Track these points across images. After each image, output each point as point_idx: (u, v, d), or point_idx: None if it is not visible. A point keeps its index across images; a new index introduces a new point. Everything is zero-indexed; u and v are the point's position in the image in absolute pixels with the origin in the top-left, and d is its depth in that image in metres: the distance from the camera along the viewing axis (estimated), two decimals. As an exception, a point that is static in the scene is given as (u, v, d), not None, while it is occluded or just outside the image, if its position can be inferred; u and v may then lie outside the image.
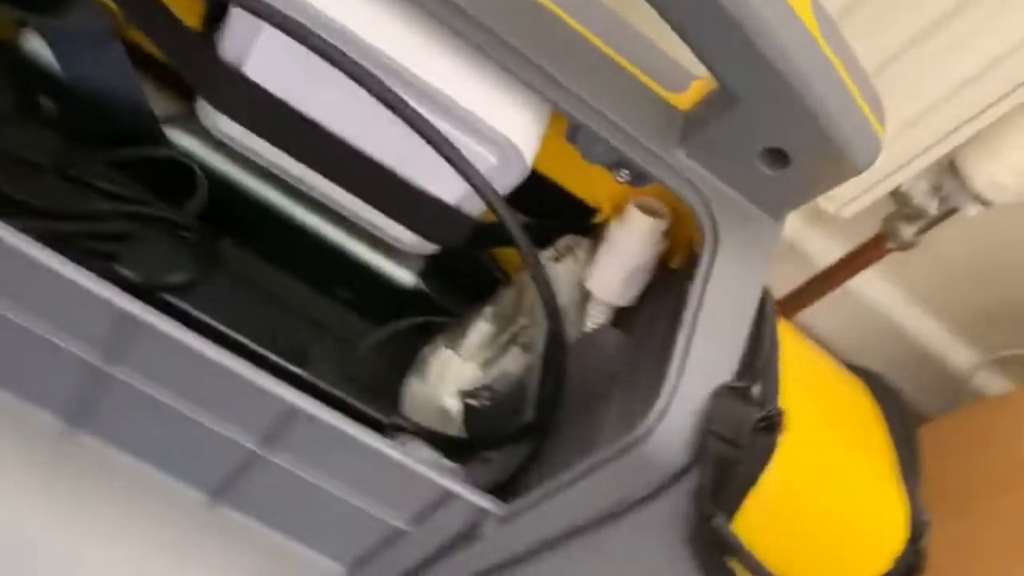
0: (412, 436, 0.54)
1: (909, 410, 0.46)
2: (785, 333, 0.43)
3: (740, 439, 0.37)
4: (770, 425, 0.38)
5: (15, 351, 0.45)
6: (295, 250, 0.57)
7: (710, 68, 0.38)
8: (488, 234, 0.49)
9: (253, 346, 0.51)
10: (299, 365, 0.52)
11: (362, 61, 0.38)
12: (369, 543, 0.51)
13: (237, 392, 0.43)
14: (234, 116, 0.46)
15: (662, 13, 0.36)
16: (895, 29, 0.66)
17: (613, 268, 0.49)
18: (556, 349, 0.44)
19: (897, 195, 0.76)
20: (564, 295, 0.52)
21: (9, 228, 0.37)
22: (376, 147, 0.45)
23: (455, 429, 0.53)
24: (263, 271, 0.57)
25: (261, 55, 0.42)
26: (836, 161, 0.40)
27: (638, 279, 0.50)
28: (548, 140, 0.45)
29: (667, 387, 0.38)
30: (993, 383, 0.97)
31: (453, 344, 0.53)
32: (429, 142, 0.39)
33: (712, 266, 0.41)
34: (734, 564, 0.39)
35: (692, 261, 0.49)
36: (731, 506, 0.38)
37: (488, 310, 0.53)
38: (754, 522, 0.39)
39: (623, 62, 0.42)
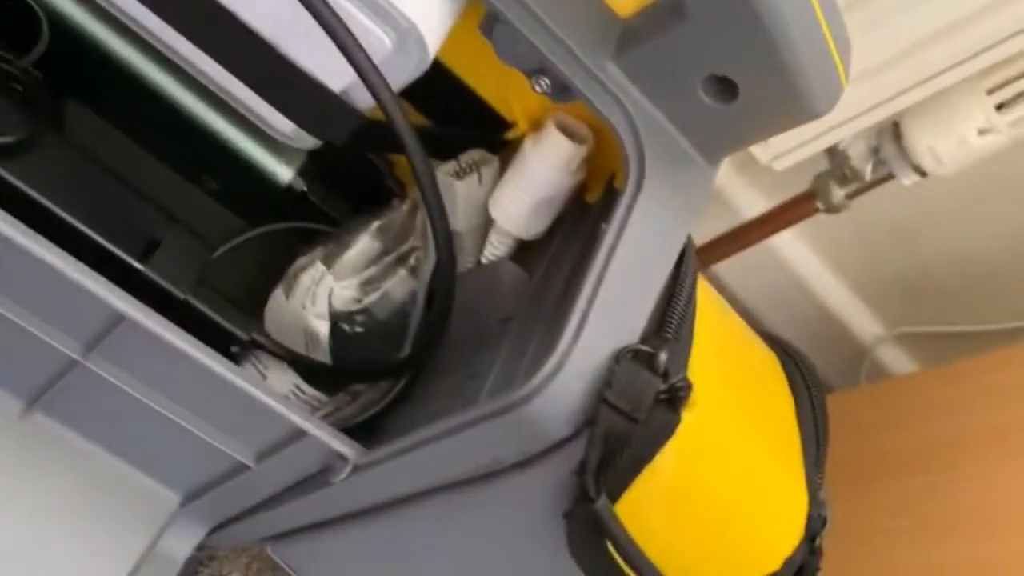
0: (272, 357, 0.47)
1: (822, 393, 0.42)
2: (700, 293, 0.38)
3: (638, 412, 0.31)
4: (674, 399, 0.32)
5: None
6: (156, 124, 0.49)
7: (662, -32, 0.31)
8: (381, 135, 0.42)
9: (86, 230, 0.43)
10: (142, 260, 0.44)
11: None
12: (206, 475, 0.45)
13: (54, 289, 0.36)
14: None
15: None
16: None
17: (521, 194, 0.42)
18: (443, 278, 0.38)
19: (834, 153, 0.72)
20: (460, 218, 0.45)
21: None
22: (252, 12, 0.37)
23: (322, 355, 0.47)
24: (113, 144, 0.48)
25: None
26: (790, 102, 0.34)
27: (548, 210, 0.43)
28: (463, 31, 0.38)
29: (562, 344, 0.32)
30: (893, 357, 0.96)
31: (329, 259, 0.46)
32: (310, 10, 0.31)
33: (632, 207, 0.35)
34: (612, 549, 0.34)
35: (610, 198, 0.43)
36: (617, 486, 0.32)
37: (375, 224, 0.46)
38: (639, 505, 0.34)
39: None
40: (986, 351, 0.90)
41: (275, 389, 0.47)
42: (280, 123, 0.42)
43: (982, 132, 0.65)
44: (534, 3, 0.34)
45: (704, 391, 0.34)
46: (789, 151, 0.68)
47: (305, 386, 0.48)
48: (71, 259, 0.35)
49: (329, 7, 0.32)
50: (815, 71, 0.33)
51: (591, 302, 0.33)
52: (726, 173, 0.82)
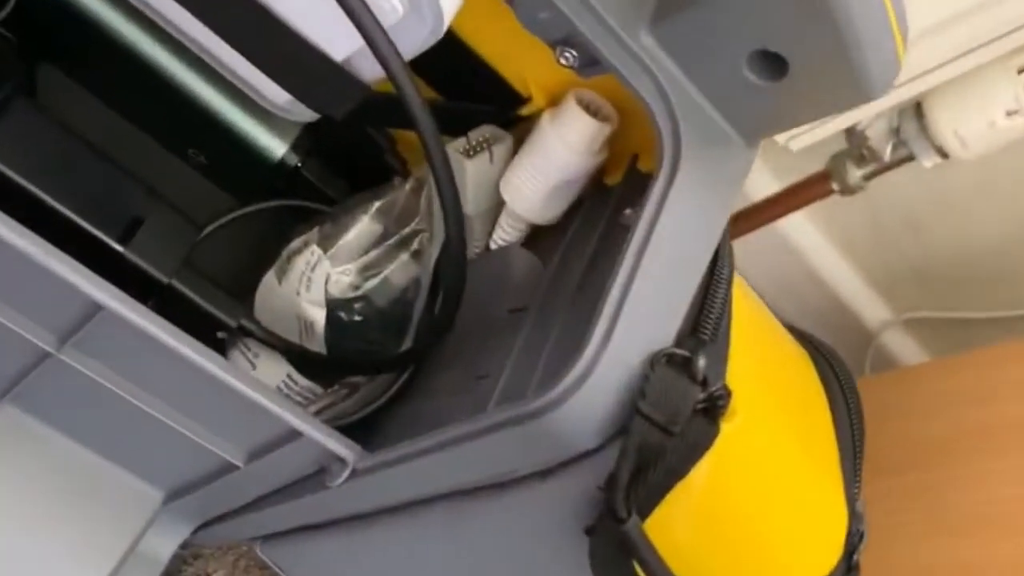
0: (262, 345, 0.44)
1: (858, 396, 0.39)
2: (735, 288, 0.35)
3: (674, 425, 0.28)
4: (712, 409, 0.29)
5: None
6: (139, 92, 0.45)
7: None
8: (384, 109, 0.39)
9: (60, 208, 0.39)
10: (122, 242, 0.40)
11: None
12: (191, 473, 0.41)
13: (24, 275, 0.32)
14: None
15: None
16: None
17: (537, 175, 0.39)
18: (454, 267, 0.35)
19: (852, 133, 0.68)
20: (470, 200, 0.42)
21: None
22: (245, -32, 0.33)
23: (317, 344, 0.43)
24: (91, 113, 0.45)
25: None
26: (845, 82, 0.30)
27: (565, 193, 0.40)
28: (479, -2, 0.34)
29: (590, 347, 0.29)
30: (899, 343, 0.93)
31: (326, 242, 0.43)
32: (313, -33, 0.28)
33: (667, 193, 0.32)
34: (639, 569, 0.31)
35: (633, 181, 0.40)
36: (647, 503, 0.29)
37: (376, 205, 0.43)
38: (668, 522, 0.31)
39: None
40: (994, 338, 0.88)
41: (265, 379, 0.43)
42: (274, 94, 0.38)
43: (1010, 114, 0.62)
44: (563, -35, 0.30)
45: (742, 398, 0.31)
46: (807, 130, 0.65)
47: (298, 376, 0.44)
48: (42, 242, 0.31)
49: (335, -36, 0.28)
50: (874, 49, 0.30)
51: (622, 300, 0.30)
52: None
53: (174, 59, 0.44)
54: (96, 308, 0.33)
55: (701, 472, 0.30)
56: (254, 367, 0.45)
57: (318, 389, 0.45)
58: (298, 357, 0.43)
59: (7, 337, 0.35)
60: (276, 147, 0.45)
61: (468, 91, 0.42)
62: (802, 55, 0.30)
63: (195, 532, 0.46)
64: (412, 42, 0.32)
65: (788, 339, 0.39)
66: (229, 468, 0.39)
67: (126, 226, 0.41)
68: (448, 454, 0.33)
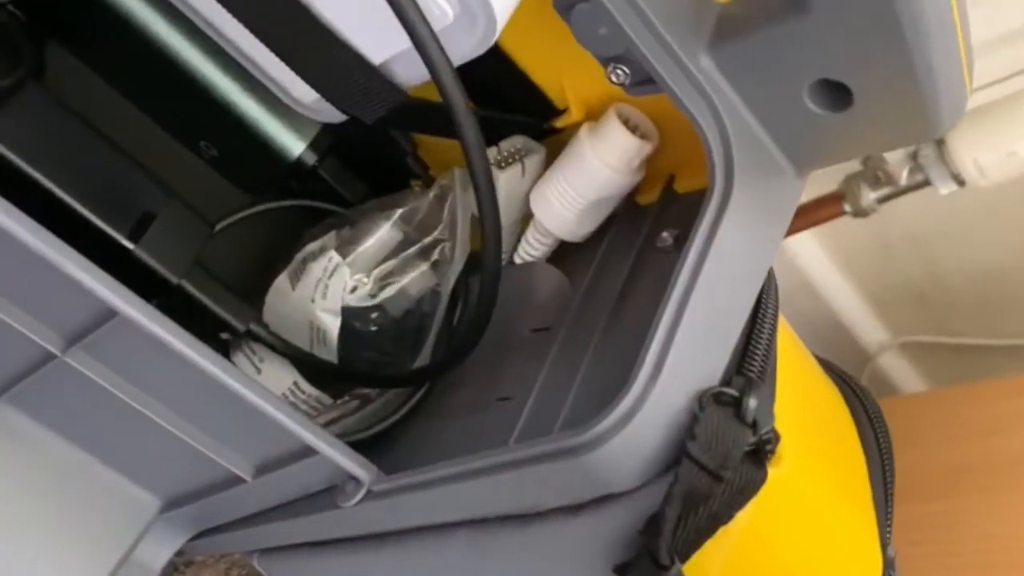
0: (269, 351, 0.42)
1: (888, 434, 0.38)
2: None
3: (724, 470, 0.27)
4: (760, 453, 0.28)
5: None
6: (152, 79, 0.43)
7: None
8: (415, 114, 0.37)
9: (70, 202, 0.37)
10: (132, 238, 0.38)
11: None
12: (193, 484, 0.40)
13: (36, 274, 0.30)
14: None
15: None
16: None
17: (572, 191, 0.37)
18: (488, 282, 0.33)
19: (869, 155, 0.67)
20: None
21: None
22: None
23: (328, 353, 0.42)
24: (101, 100, 0.43)
25: None
26: (912, 117, 0.29)
27: (599, 211, 0.39)
28: (524, 5, 0.32)
29: (638, 383, 0.28)
30: (895, 366, 0.93)
31: (345, 247, 0.41)
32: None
33: (718, 225, 0.30)
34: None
35: (669, 202, 0.39)
36: (686, 548, 0.28)
37: (399, 212, 0.41)
38: (704, 567, 0.29)
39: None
40: (993, 367, 0.87)
41: (270, 385, 0.42)
42: (301, 92, 0.36)
43: (1032, 145, 0.61)
44: (628, -20, 0.28)
45: (787, 442, 0.29)
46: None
47: (305, 384, 0.43)
48: (58, 242, 0.29)
49: (390, -33, 0.26)
50: (945, 82, 0.28)
51: (671, 334, 0.28)
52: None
53: (190, 44, 0.42)
54: (110, 314, 0.31)
55: (743, 517, 0.29)
56: (259, 372, 0.43)
57: (326, 399, 0.43)
58: (307, 365, 0.42)
59: (10, 336, 0.33)
60: (294, 145, 0.44)
61: (500, 99, 0.40)
62: (869, 86, 0.29)
63: (190, 541, 0.44)
64: (460, 49, 0.30)
65: (822, 374, 0.38)
66: (235, 481, 0.38)
67: (136, 222, 0.39)
68: (474, 484, 0.32)
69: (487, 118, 0.40)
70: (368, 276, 0.41)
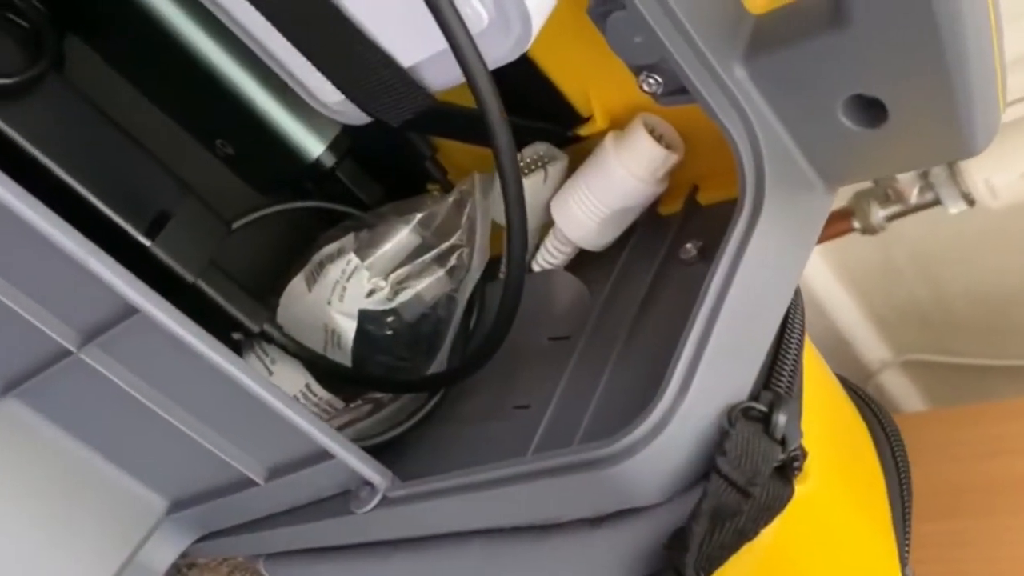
0: (281, 352, 0.42)
1: (905, 452, 0.37)
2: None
3: (753, 486, 0.26)
4: (787, 469, 0.28)
5: None
6: (168, 72, 0.43)
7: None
8: (440, 118, 0.37)
9: (89, 197, 0.37)
10: (149, 236, 0.38)
11: None
12: (203, 486, 0.39)
13: (57, 270, 0.30)
14: None
15: None
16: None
17: (595, 200, 0.37)
18: (512, 290, 0.33)
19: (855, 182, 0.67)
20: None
21: None
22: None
23: (342, 356, 0.41)
24: (118, 95, 0.42)
25: None
26: (947, 135, 0.29)
27: (621, 221, 0.38)
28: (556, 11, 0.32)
29: (667, 396, 0.27)
30: (896, 384, 0.93)
31: (363, 251, 0.40)
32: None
33: (748, 238, 0.30)
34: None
35: (691, 213, 0.38)
36: (712, 564, 0.28)
37: (418, 217, 0.41)
38: (727, 582, 0.29)
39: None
40: (994, 387, 0.87)
41: (282, 386, 0.41)
42: (326, 93, 0.36)
43: (1044, 168, 0.61)
44: (667, -11, 0.28)
45: (813, 459, 0.29)
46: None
47: (317, 387, 0.42)
48: (82, 238, 0.29)
49: (430, -31, 0.26)
50: (981, 103, 0.28)
51: (701, 347, 0.28)
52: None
53: (211, 40, 0.42)
54: (129, 311, 0.31)
55: (767, 534, 0.28)
56: (271, 373, 0.43)
57: (337, 403, 0.43)
58: (321, 368, 0.41)
59: (26, 331, 0.33)
60: (313, 146, 0.43)
61: (524, 105, 0.40)
62: (905, 103, 0.29)
63: (195, 543, 0.43)
64: (494, 54, 0.30)
65: (842, 391, 0.38)
66: (247, 484, 0.37)
67: (153, 219, 0.38)
68: (493, 494, 0.31)
69: (511, 124, 0.39)
70: (385, 280, 0.41)
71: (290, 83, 0.37)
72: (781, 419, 0.28)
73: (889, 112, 0.29)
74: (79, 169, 0.37)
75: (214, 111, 0.43)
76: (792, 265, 0.31)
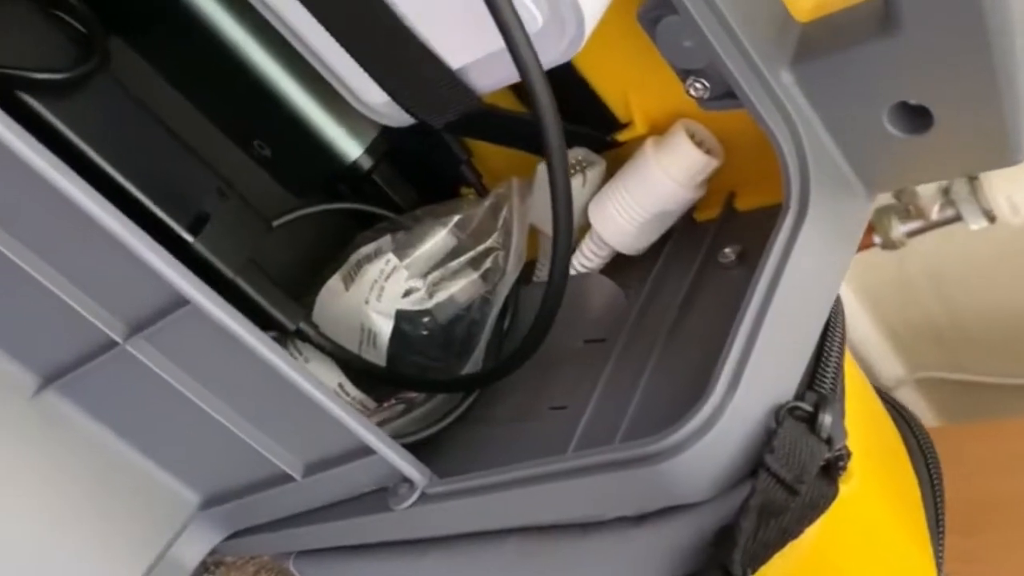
0: (314, 350, 0.42)
1: (937, 459, 0.38)
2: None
3: (800, 484, 0.27)
4: (833, 468, 0.28)
5: None
6: (211, 76, 0.43)
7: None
8: (483, 121, 0.37)
9: (135, 192, 0.37)
10: (192, 231, 0.38)
11: None
12: (239, 481, 0.39)
13: (109, 260, 0.30)
14: None
15: None
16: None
17: (635, 204, 0.38)
18: (554, 293, 0.33)
19: (902, 188, 0.68)
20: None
21: None
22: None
23: (377, 356, 0.42)
24: (159, 94, 0.43)
25: None
26: (991, 143, 0.30)
27: (659, 225, 0.39)
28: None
29: (716, 394, 0.28)
30: (911, 402, 0.93)
31: (400, 252, 0.41)
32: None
33: (794, 241, 0.30)
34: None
35: (729, 218, 0.39)
36: (756, 561, 0.28)
37: (455, 219, 0.41)
38: (769, 581, 0.29)
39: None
40: (1008, 406, 0.87)
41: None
42: (372, 95, 0.37)
43: (1066, 185, 0.62)
44: (719, -4, 0.29)
45: (855, 460, 0.29)
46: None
47: (351, 387, 0.43)
48: (137, 229, 0.29)
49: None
50: (1025, 111, 0.29)
51: (749, 347, 0.28)
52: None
53: (252, 40, 0.42)
54: (180, 303, 0.31)
55: (810, 533, 0.29)
56: (303, 373, 0.43)
57: (369, 402, 0.43)
58: (355, 368, 0.42)
59: (72, 322, 0.33)
60: (351, 148, 0.44)
61: (562, 109, 0.40)
62: (951, 110, 0.29)
63: (223, 541, 0.44)
64: (546, 56, 0.30)
65: (877, 397, 0.38)
66: (283, 479, 0.38)
67: (195, 216, 0.39)
68: (533, 491, 0.31)
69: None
70: (422, 281, 0.41)
71: (334, 84, 0.38)
72: (827, 419, 0.28)
73: (935, 119, 0.30)
74: (125, 164, 0.37)
75: (254, 112, 0.44)
76: (835, 268, 0.32)
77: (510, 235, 0.41)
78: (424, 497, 0.35)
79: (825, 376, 0.30)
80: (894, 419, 0.39)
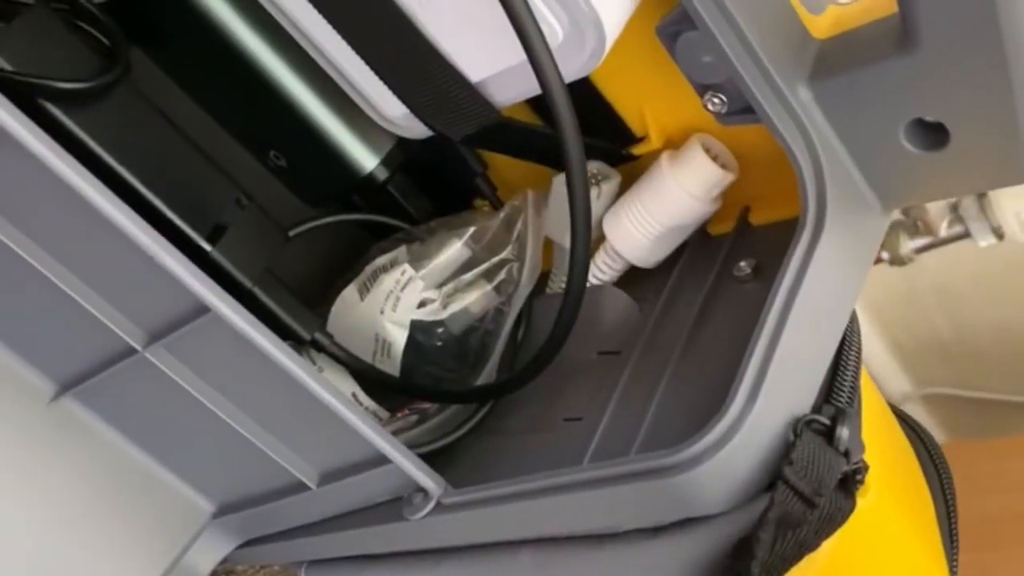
0: (328, 360, 0.42)
1: (950, 473, 0.38)
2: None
3: (818, 496, 0.27)
4: (850, 482, 0.28)
5: None
6: (229, 87, 0.44)
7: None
8: (501, 134, 0.37)
9: (155, 202, 0.37)
10: (211, 241, 0.38)
11: None
12: (253, 490, 0.39)
13: (131, 269, 0.31)
14: None
15: None
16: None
17: (650, 217, 0.38)
18: (572, 303, 0.33)
19: (912, 204, 0.68)
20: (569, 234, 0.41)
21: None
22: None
23: (391, 366, 0.42)
24: (177, 105, 0.43)
25: None
26: (1007, 161, 0.30)
27: (673, 239, 0.39)
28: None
29: (735, 406, 0.28)
30: (917, 417, 0.93)
31: (416, 263, 0.41)
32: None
33: (811, 255, 0.31)
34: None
35: (743, 233, 0.39)
36: (773, 574, 0.28)
37: (471, 231, 0.42)
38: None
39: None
40: (1015, 423, 0.87)
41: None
42: (390, 107, 0.37)
43: (1076, 202, 0.62)
44: (735, 11, 0.29)
45: (873, 474, 0.29)
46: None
47: (364, 396, 0.43)
48: (159, 237, 0.29)
49: (514, -16, 0.27)
50: (1042, 128, 0.29)
51: (767, 359, 0.29)
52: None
53: (270, 51, 0.42)
54: (200, 312, 0.31)
55: (826, 547, 0.29)
56: (316, 383, 0.43)
57: (383, 413, 0.43)
58: (369, 378, 0.42)
59: (92, 329, 0.34)
60: (367, 160, 0.44)
61: (579, 123, 0.40)
62: (967, 127, 0.29)
63: (237, 548, 0.44)
64: (568, 68, 0.31)
65: (890, 412, 0.39)
66: (298, 488, 0.38)
67: (213, 225, 0.39)
68: (550, 501, 0.32)
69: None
70: (437, 292, 0.41)
71: (353, 96, 0.38)
72: (844, 432, 0.28)
73: (951, 136, 0.30)
74: (144, 173, 0.38)
75: (270, 123, 0.44)
76: (851, 283, 0.32)
77: (524, 247, 0.42)
78: (439, 507, 0.35)
79: (842, 390, 0.30)
80: (907, 434, 0.39)
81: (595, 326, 0.40)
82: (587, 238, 0.32)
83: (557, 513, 0.32)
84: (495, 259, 0.42)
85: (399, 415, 0.42)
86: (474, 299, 0.42)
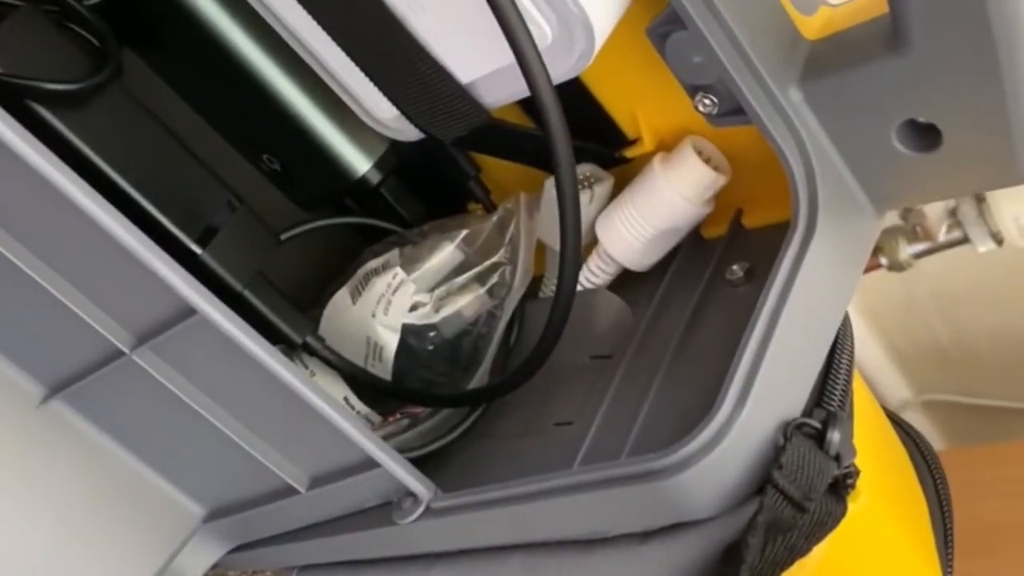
0: (320, 364, 0.42)
1: (946, 481, 0.38)
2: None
3: (808, 501, 0.27)
4: (841, 486, 0.28)
5: None
6: (222, 91, 0.44)
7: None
8: (492, 136, 0.37)
9: (145, 204, 0.37)
10: (200, 244, 0.38)
11: None
12: (244, 494, 0.39)
13: (119, 271, 0.30)
14: None
15: None
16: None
17: (642, 220, 0.38)
18: (562, 308, 0.33)
19: (909, 209, 0.68)
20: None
21: None
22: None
23: (383, 370, 0.42)
24: (170, 108, 0.43)
25: None
26: (999, 162, 0.30)
27: (666, 242, 0.39)
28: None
29: (723, 410, 0.28)
30: (916, 423, 0.92)
31: (408, 266, 0.41)
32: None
33: (802, 258, 0.30)
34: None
35: (736, 236, 0.39)
36: (762, 580, 0.28)
37: (463, 234, 0.41)
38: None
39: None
40: (1015, 430, 0.87)
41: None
42: (382, 109, 0.37)
43: (1074, 207, 0.62)
44: (725, 12, 0.29)
45: (864, 478, 0.29)
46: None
47: (355, 400, 0.43)
48: (146, 239, 0.29)
49: (502, -16, 0.27)
50: (1035, 129, 0.29)
51: (757, 363, 0.28)
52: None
53: (264, 55, 0.42)
54: (187, 314, 0.31)
55: (817, 551, 0.28)
56: (308, 386, 0.43)
57: (375, 417, 0.43)
58: (361, 382, 0.42)
59: (79, 332, 0.33)
60: (360, 163, 0.44)
61: (570, 125, 0.40)
62: (960, 128, 0.29)
63: (228, 553, 0.44)
64: (557, 70, 0.30)
65: (885, 416, 0.38)
66: (287, 492, 0.37)
67: (204, 228, 0.39)
68: (540, 505, 0.31)
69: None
70: (429, 295, 0.41)
71: (345, 99, 0.38)
72: (835, 436, 0.28)
73: (943, 137, 0.30)
74: (134, 176, 0.37)
75: (263, 126, 0.44)
76: (843, 286, 0.32)
77: (517, 250, 0.41)
78: (429, 511, 0.35)
79: (834, 393, 0.30)
80: (902, 439, 0.39)
81: (588, 330, 0.40)
82: (576, 240, 0.32)
83: (547, 517, 0.32)
84: (488, 262, 0.42)
85: (391, 419, 0.42)
86: (466, 303, 0.42)
